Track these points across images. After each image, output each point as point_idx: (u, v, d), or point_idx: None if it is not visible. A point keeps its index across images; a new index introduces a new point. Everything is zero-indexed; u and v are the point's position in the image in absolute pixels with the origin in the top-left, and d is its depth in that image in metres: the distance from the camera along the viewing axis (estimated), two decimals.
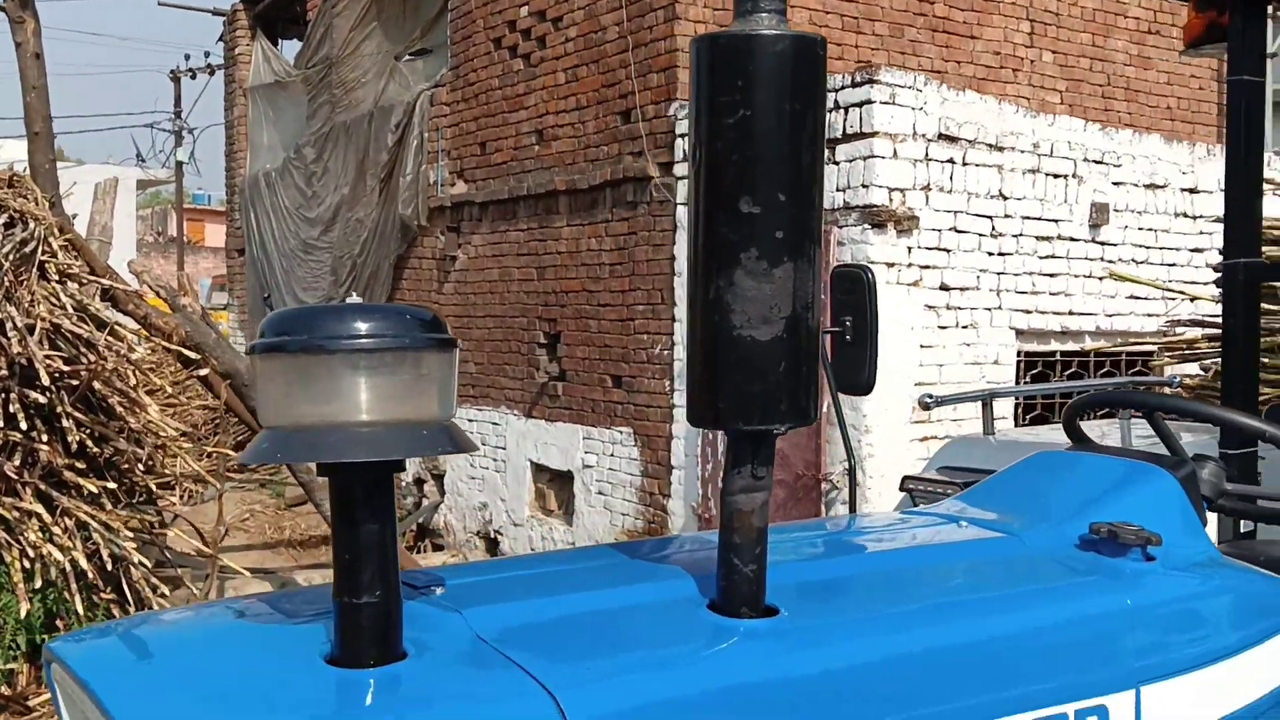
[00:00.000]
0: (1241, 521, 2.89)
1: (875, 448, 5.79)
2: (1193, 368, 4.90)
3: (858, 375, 2.30)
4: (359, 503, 1.20)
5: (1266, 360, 4.35)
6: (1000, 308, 6.24)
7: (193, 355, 5.57)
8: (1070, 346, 6.69)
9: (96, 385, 5.02)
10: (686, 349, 1.40)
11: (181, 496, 6.50)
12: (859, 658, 1.43)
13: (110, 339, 5.06)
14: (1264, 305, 4.44)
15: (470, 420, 9.11)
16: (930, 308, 5.95)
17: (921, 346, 5.93)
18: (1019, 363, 6.45)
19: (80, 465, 4.95)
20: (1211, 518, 2.86)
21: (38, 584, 4.59)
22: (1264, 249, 4.51)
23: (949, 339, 6.05)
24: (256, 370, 1.20)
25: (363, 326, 1.18)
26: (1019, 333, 6.35)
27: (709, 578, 1.49)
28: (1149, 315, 6.69)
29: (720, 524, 1.43)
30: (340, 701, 1.19)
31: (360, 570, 1.20)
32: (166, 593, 5.42)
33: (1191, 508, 1.94)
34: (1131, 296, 6.74)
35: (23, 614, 4.56)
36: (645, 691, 1.27)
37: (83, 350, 5.01)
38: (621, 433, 7.61)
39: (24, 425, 4.60)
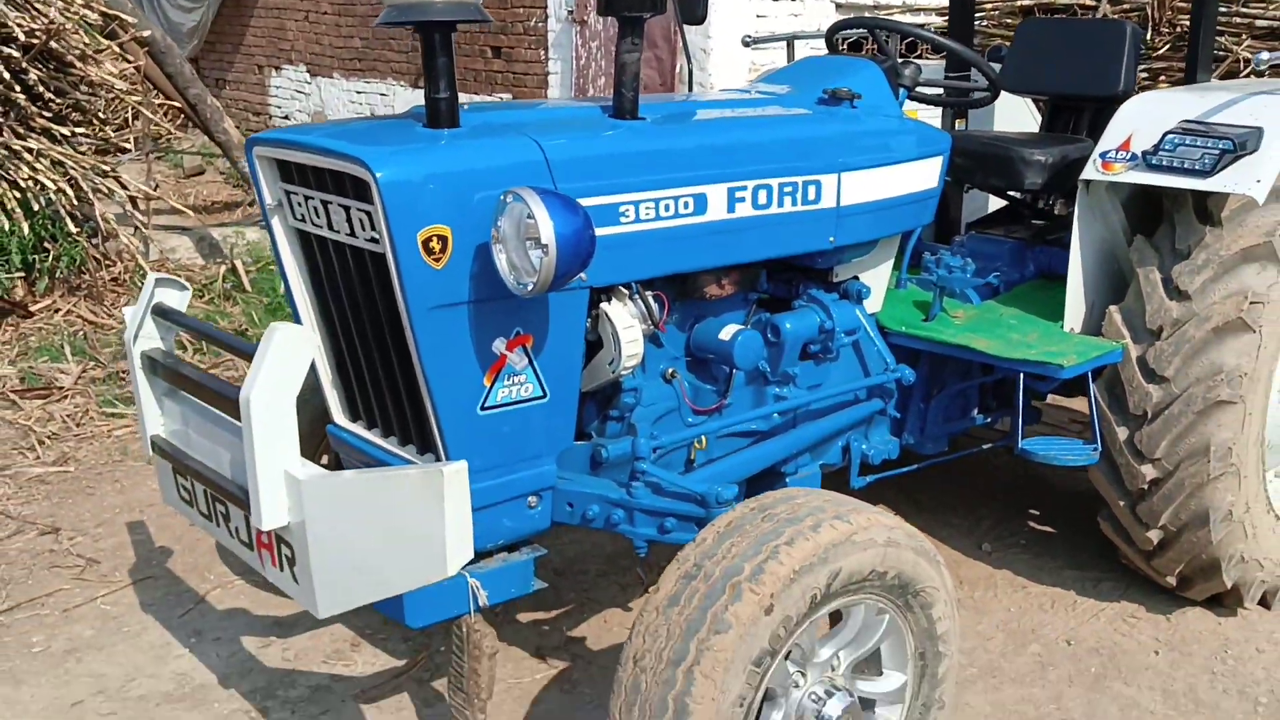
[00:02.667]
0: None
1: None
2: None
3: (694, 11, 3.48)
4: (436, 45, 2.35)
5: (1010, 21, 5.66)
6: None
7: (129, 19, 6.31)
8: (881, 16, 7.90)
9: (53, 44, 5.81)
10: None
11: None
12: (689, 140, 2.70)
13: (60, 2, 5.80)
14: None
15: (359, 92, 9.94)
16: None
17: (757, 16, 7.07)
18: None
19: (48, 115, 5.83)
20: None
21: (35, 208, 5.58)
22: None
23: (780, 10, 7.20)
24: None
25: None
26: (838, 5, 7.53)
27: (610, 105, 2.72)
28: None
29: (614, 72, 2.65)
30: (432, 137, 2.39)
31: (438, 78, 2.37)
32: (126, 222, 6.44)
33: (889, 88, 3.25)
34: None
35: (25, 232, 5.56)
36: (582, 145, 2.51)
37: (37, 12, 5.76)
38: (502, 99, 8.65)
39: (5, 75, 5.44)
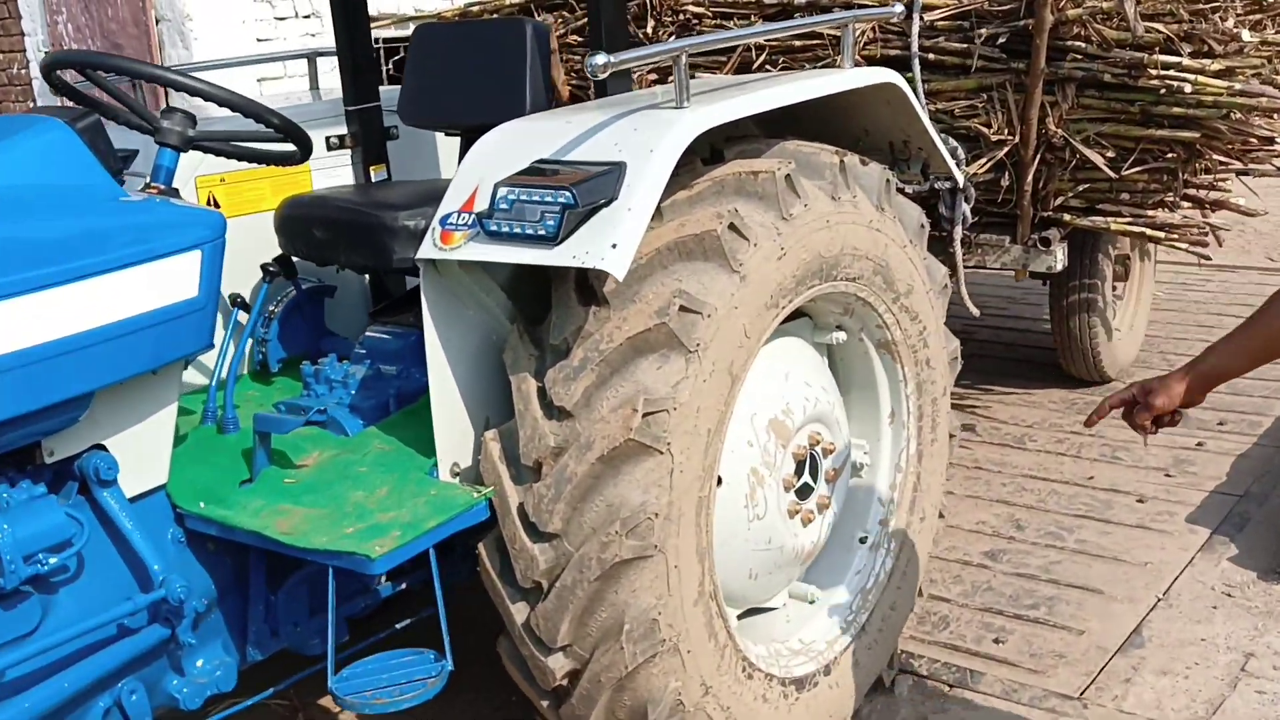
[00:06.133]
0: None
1: None
2: None
3: None
4: None
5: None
6: None
7: None
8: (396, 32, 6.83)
9: None
10: None
11: None
12: None
13: None
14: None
15: None
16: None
17: (258, 40, 5.87)
18: None
19: None
20: None
21: None
22: None
23: (291, 31, 6.02)
24: None
25: None
26: (373, 19, 6.41)
27: None
28: None
29: None
30: None
31: None
32: None
33: (86, 154, 2.13)
34: None
35: None
36: None
37: None
38: None
39: None
